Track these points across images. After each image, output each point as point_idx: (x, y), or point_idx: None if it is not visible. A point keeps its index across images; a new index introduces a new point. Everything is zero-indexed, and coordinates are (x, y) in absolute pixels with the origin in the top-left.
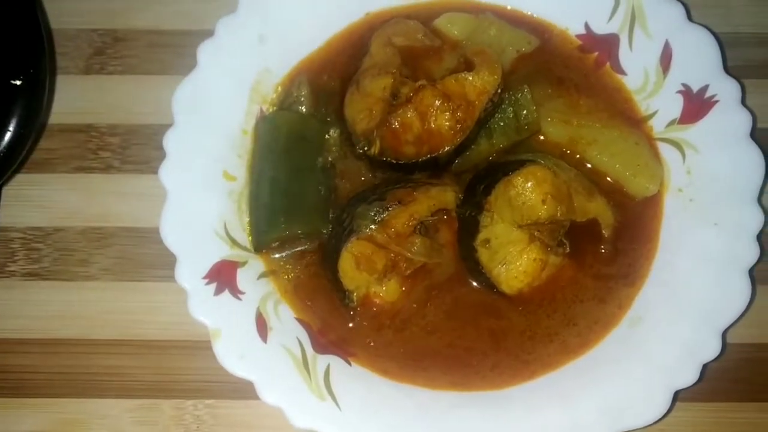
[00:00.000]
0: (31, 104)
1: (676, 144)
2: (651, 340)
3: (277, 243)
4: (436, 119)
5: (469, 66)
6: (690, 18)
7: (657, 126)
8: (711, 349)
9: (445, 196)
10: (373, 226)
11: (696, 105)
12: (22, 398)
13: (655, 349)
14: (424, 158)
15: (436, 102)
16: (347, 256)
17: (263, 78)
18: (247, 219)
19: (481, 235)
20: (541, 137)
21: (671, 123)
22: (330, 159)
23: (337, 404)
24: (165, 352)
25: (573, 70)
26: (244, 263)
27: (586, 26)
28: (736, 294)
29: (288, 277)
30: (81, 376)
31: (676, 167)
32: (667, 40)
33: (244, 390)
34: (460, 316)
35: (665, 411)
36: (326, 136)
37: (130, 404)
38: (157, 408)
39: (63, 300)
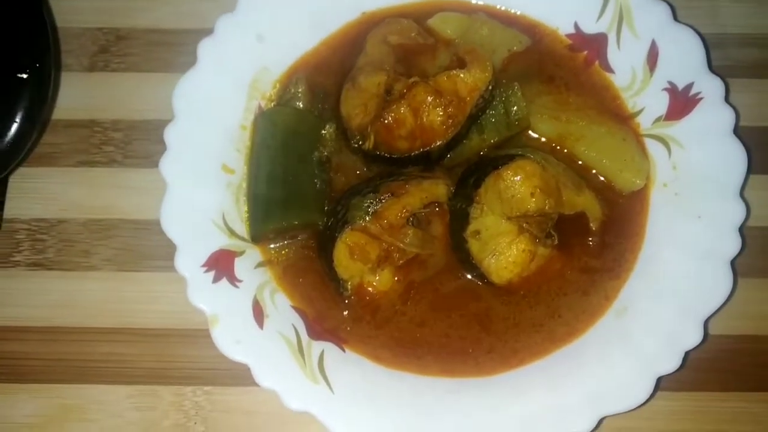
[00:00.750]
0: (36, 98)
1: (662, 140)
2: (635, 329)
3: (274, 233)
4: (428, 115)
5: (461, 64)
6: (676, 18)
7: (644, 122)
8: (693, 338)
9: (436, 188)
10: (367, 218)
11: (681, 102)
12: (22, 383)
13: (639, 338)
14: (416, 152)
15: (429, 98)
16: (341, 246)
17: (261, 75)
18: (245, 210)
19: (471, 227)
20: (531, 133)
21: (657, 120)
22: (326, 153)
23: (330, 388)
24: (164, 340)
25: (563, 69)
26: (241, 252)
27: (576, 26)
28: (718, 284)
29: (284, 266)
30: (81, 363)
31: (662, 162)
32: (653, 39)
33: (241, 377)
34: (452, 305)
35: (648, 396)
36: (322, 131)
37: (130, 390)
38: (156, 394)
39: (65, 289)
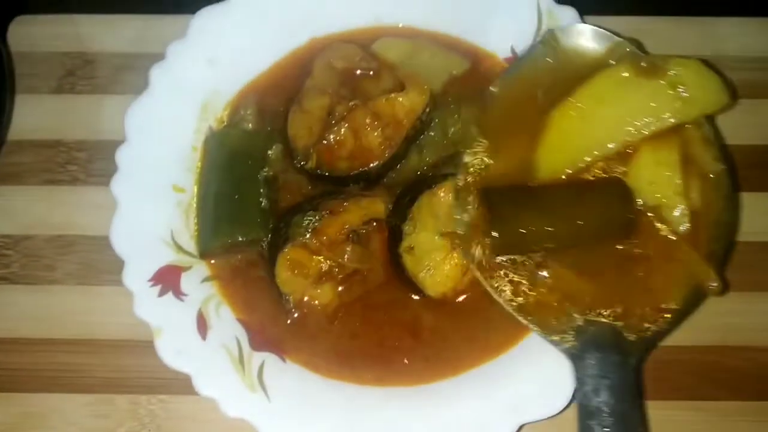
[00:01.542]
0: None
1: None
2: None
3: (221, 249)
4: (367, 136)
5: (401, 88)
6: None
7: None
8: None
9: (375, 206)
10: (307, 234)
11: None
12: None
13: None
14: (356, 172)
15: (367, 120)
16: (283, 262)
17: (212, 98)
18: (195, 227)
19: (405, 243)
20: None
21: None
22: (271, 173)
23: (267, 396)
24: (122, 350)
25: None
26: (188, 267)
27: (512, 50)
28: None
29: (229, 280)
30: (44, 372)
31: None
32: None
33: (193, 386)
34: (388, 318)
35: (566, 404)
36: (269, 151)
37: (88, 399)
38: (112, 402)
39: (29, 302)
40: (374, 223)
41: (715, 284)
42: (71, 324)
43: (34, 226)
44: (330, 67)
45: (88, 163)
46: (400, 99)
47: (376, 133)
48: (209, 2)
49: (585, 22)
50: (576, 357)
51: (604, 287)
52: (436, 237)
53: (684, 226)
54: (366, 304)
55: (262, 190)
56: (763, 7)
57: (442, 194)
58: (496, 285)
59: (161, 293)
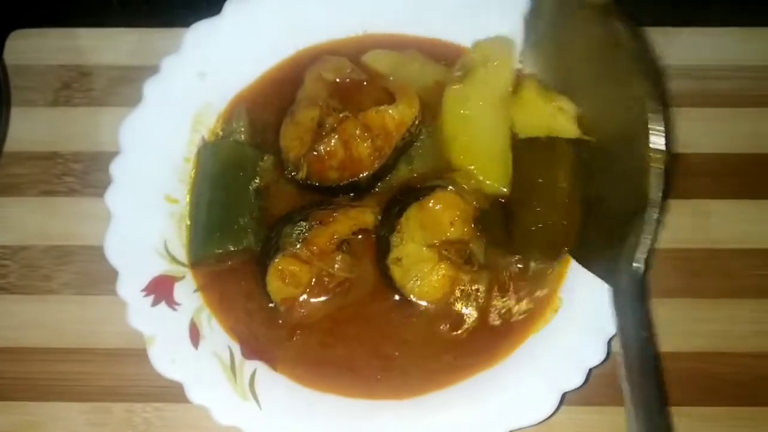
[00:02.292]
0: None
1: None
2: (544, 349)
3: (212, 259)
4: (357, 147)
5: (391, 99)
6: None
7: None
8: (597, 356)
9: (364, 217)
10: (297, 244)
11: None
12: None
13: (547, 357)
14: (345, 182)
15: (357, 131)
16: (273, 271)
17: (205, 110)
18: (187, 237)
19: (393, 254)
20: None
21: None
22: (263, 183)
23: (258, 404)
24: (118, 359)
25: None
26: (182, 277)
27: None
28: None
29: (219, 290)
30: (40, 381)
31: None
32: None
33: None
34: (379, 329)
35: (552, 411)
36: (260, 162)
37: (85, 407)
38: (109, 410)
39: (27, 312)
40: (366, 234)
41: None
42: (68, 333)
43: (32, 236)
44: (320, 78)
45: (84, 174)
46: (390, 111)
47: (366, 144)
48: (202, 16)
49: None
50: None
51: None
52: (424, 248)
53: None
54: (355, 315)
55: (253, 201)
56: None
57: (430, 205)
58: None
59: (154, 303)
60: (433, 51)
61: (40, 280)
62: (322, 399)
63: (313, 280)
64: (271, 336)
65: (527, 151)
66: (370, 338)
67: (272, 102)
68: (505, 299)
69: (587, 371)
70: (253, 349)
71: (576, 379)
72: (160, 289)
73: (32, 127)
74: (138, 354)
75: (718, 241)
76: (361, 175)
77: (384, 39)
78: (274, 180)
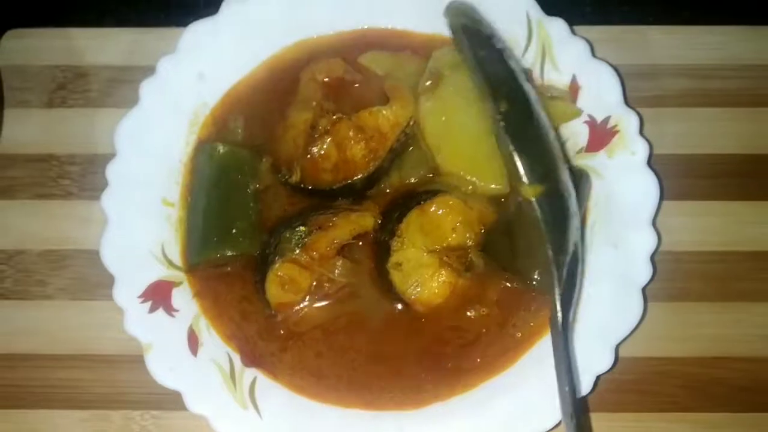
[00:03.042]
0: None
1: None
2: (550, 356)
3: (209, 264)
4: (351, 149)
5: (386, 100)
6: (594, 54)
7: (570, 153)
8: (604, 363)
9: (364, 221)
10: (297, 250)
11: (600, 134)
12: None
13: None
14: (339, 185)
15: (351, 133)
16: (273, 277)
17: (201, 111)
18: (183, 241)
19: (393, 259)
20: None
21: (579, 151)
22: (261, 187)
23: (259, 413)
24: (116, 365)
25: None
26: (179, 283)
27: None
28: (630, 311)
29: (216, 296)
30: (37, 389)
31: None
32: (573, 74)
33: None
34: (379, 336)
35: (558, 420)
36: (259, 164)
37: (83, 414)
38: (107, 418)
39: (23, 318)
40: (367, 238)
41: None
42: (65, 339)
43: (27, 240)
44: (314, 80)
45: (80, 177)
46: (384, 112)
47: (359, 146)
48: (199, 16)
49: (575, 33)
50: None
51: None
52: (425, 254)
53: None
54: (355, 321)
55: (251, 204)
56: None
57: (432, 210)
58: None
59: (152, 309)
60: (428, 50)
61: (35, 285)
62: (324, 409)
63: (313, 285)
64: (270, 344)
65: None
66: (370, 346)
67: (270, 102)
68: (508, 306)
69: (595, 378)
70: (252, 357)
71: (583, 386)
72: (158, 295)
73: (27, 129)
74: (136, 360)
75: (723, 244)
76: (356, 177)
77: (384, 36)
78: (273, 183)
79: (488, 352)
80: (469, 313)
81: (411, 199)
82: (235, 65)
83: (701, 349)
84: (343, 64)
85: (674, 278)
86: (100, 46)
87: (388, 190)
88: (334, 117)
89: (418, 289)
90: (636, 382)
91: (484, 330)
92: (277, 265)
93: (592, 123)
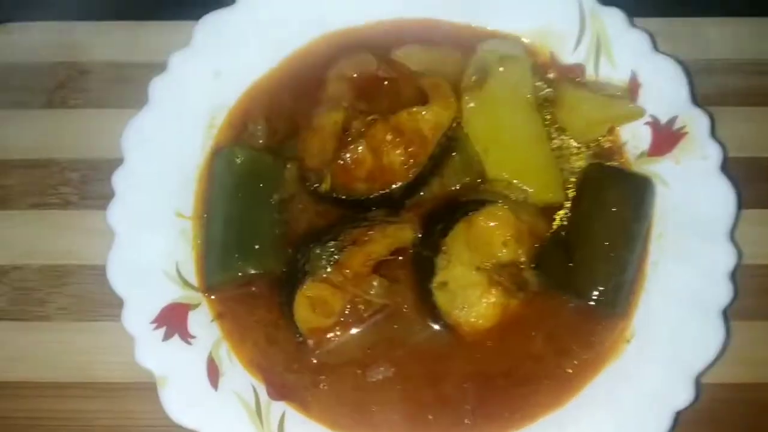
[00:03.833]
0: None
1: None
2: (618, 387)
3: (229, 284)
4: (388, 154)
5: (425, 99)
6: (656, 47)
7: (630, 159)
8: (684, 398)
9: (403, 234)
10: (328, 268)
11: (664, 137)
12: None
13: (626, 397)
14: (376, 194)
15: (388, 137)
16: (302, 299)
17: (218, 113)
18: (199, 258)
19: (438, 278)
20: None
21: (641, 155)
22: (286, 196)
23: None
24: (123, 394)
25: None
26: (196, 305)
27: (552, 56)
28: (710, 337)
29: (238, 319)
30: (36, 421)
31: None
32: (633, 70)
33: None
34: (424, 362)
35: None
36: (283, 171)
37: None
38: None
39: (19, 341)
40: (404, 254)
41: None
42: (66, 365)
43: (24, 255)
44: (344, 77)
45: (82, 184)
46: (424, 112)
47: (398, 151)
48: (215, 7)
49: (633, 25)
50: None
51: None
52: (473, 272)
53: None
54: (395, 347)
55: (276, 216)
56: None
57: (480, 223)
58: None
59: (166, 336)
60: (471, 48)
61: (33, 304)
62: None
63: (347, 308)
64: (301, 374)
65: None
66: (414, 374)
67: (294, 103)
68: (566, 328)
69: (673, 415)
70: (280, 388)
71: (659, 425)
72: (173, 320)
73: (23, 132)
74: (146, 388)
75: None
76: (394, 186)
77: (421, 28)
78: (299, 192)
79: (547, 380)
80: (521, 339)
81: (455, 210)
82: (255, 61)
83: None
84: (375, 60)
85: (756, 294)
86: (105, 40)
87: (427, 200)
88: (369, 118)
89: (466, 312)
90: (715, 410)
91: (538, 359)
92: (306, 285)
93: (655, 124)
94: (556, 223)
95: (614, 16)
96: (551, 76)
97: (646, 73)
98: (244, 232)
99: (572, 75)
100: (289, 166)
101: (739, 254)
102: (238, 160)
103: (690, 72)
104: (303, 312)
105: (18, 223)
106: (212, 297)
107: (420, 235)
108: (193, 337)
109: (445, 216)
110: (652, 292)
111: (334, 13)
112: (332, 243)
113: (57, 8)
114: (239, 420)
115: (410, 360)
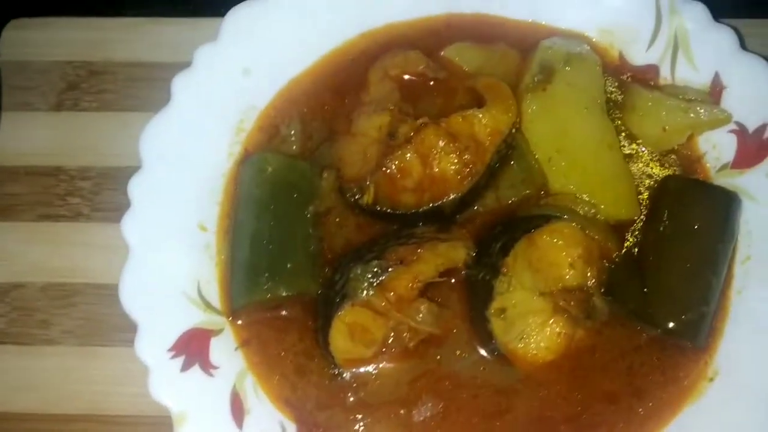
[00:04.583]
0: None
1: None
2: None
3: (258, 307)
4: (439, 162)
5: (480, 102)
6: (744, 46)
7: (710, 171)
8: None
9: (455, 253)
10: (370, 290)
11: (753, 147)
12: None
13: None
14: (425, 207)
15: (440, 143)
16: (339, 325)
17: (248, 115)
18: (224, 278)
19: (496, 303)
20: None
21: (723, 167)
22: (322, 208)
23: None
24: (134, 428)
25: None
26: (219, 331)
27: (621, 57)
28: None
29: (266, 348)
30: None
31: None
32: (716, 72)
33: None
34: (474, 402)
35: None
36: (320, 180)
37: None
38: None
39: (19, 367)
40: (455, 276)
41: None
42: (71, 395)
43: (27, 271)
44: (386, 77)
45: (93, 194)
46: (481, 115)
47: (451, 159)
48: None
49: (719, 21)
50: None
51: None
52: (535, 297)
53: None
54: (441, 381)
55: (310, 231)
56: None
57: (545, 241)
58: None
59: (185, 366)
60: (528, 46)
61: (36, 327)
62: None
63: (390, 336)
64: (335, 412)
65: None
66: (466, 410)
67: (332, 105)
68: (639, 363)
69: None
70: (312, 428)
71: None
72: (193, 348)
73: (31, 137)
74: (160, 423)
75: None
76: (446, 198)
77: (473, 24)
78: (337, 204)
79: (616, 422)
80: (588, 375)
81: (515, 226)
82: (289, 58)
83: None
84: (423, 58)
85: None
86: (120, 38)
87: (481, 215)
88: (419, 122)
89: (525, 342)
90: None
91: (609, 398)
92: (344, 310)
93: (741, 132)
94: (628, 243)
95: (696, 11)
96: (622, 78)
97: (732, 74)
98: (274, 249)
99: (644, 77)
100: (326, 175)
101: None
102: (270, 168)
103: None
104: (340, 340)
105: (22, 236)
106: (238, 322)
107: (474, 255)
108: (215, 367)
109: (503, 233)
110: (737, 323)
111: (377, 7)
112: (375, 262)
113: (73, 2)
114: None
115: (461, 394)
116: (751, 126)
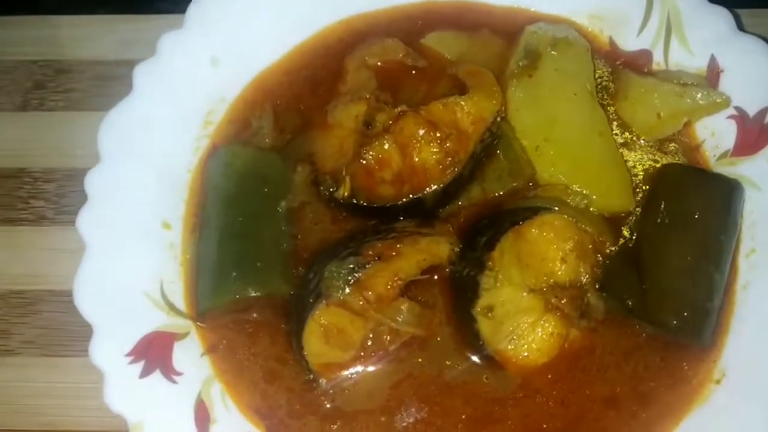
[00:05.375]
0: None
1: None
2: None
3: (226, 309)
4: (419, 152)
5: (462, 90)
6: (741, 27)
7: (710, 160)
8: None
9: (438, 248)
10: (346, 288)
11: (753, 133)
12: None
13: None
14: (405, 200)
15: (420, 131)
16: (313, 327)
17: (217, 107)
18: (188, 278)
19: (482, 301)
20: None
21: (723, 155)
22: (295, 203)
23: None
24: None
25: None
26: (184, 335)
27: (611, 42)
28: None
29: (234, 353)
30: None
31: None
32: (712, 54)
33: None
34: (460, 409)
35: None
36: (292, 174)
37: None
38: None
39: None
40: (437, 272)
41: None
42: (31, 410)
43: None
44: (364, 66)
45: (58, 197)
46: (463, 102)
47: (431, 148)
48: None
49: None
50: None
51: None
52: (525, 294)
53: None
54: (425, 386)
55: (282, 227)
56: None
57: (533, 234)
58: None
59: (145, 372)
60: (511, 33)
61: None
62: None
63: (368, 338)
64: (310, 421)
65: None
66: (452, 415)
67: (306, 95)
68: (639, 365)
69: None
70: None
71: None
72: (154, 353)
73: None
74: None
75: None
76: (427, 189)
77: (454, 11)
78: (311, 198)
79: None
80: (583, 378)
81: (501, 219)
82: (260, 47)
83: None
84: (402, 46)
85: None
86: (88, 35)
87: (465, 208)
88: (397, 110)
89: (515, 344)
90: None
91: (607, 402)
92: (318, 311)
93: (741, 118)
94: (624, 236)
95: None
96: (614, 65)
97: (729, 56)
98: (243, 247)
99: (637, 63)
100: (299, 168)
101: None
102: (238, 161)
103: None
104: (315, 343)
105: None
106: (203, 325)
107: (458, 250)
108: (179, 373)
109: (488, 226)
110: (744, 320)
111: None
112: (351, 258)
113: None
114: None
115: (446, 399)
116: (752, 111)
